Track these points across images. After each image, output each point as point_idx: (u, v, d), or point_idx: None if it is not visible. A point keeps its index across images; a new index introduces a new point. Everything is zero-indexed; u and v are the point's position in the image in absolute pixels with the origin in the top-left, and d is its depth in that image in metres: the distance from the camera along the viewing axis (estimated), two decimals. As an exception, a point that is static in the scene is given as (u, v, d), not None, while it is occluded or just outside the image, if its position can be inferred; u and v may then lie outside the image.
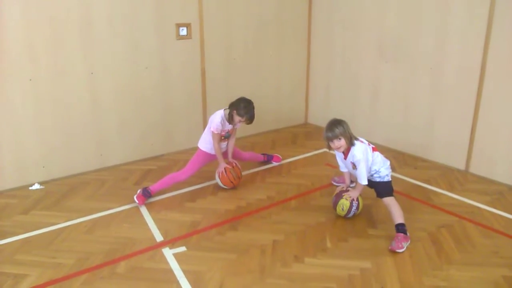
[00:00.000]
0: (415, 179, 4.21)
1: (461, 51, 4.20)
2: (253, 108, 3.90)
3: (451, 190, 3.99)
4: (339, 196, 3.45)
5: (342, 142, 3.26)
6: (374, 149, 3.36)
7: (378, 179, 3.34)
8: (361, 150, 3.27)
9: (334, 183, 4.07)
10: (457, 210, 3.61)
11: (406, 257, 2.97)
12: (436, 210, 3.63)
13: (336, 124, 3.28)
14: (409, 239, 3.08)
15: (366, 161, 3.27)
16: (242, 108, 3.84)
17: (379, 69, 5.00)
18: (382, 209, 3.52)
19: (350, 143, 3.29)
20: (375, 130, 5.17)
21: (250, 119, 3.89)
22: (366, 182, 3.30)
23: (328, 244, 3.15)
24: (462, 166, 4.40)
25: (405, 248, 3.02)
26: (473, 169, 4.32)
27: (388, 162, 3.40)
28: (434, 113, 4.54)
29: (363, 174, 3.28)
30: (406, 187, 4.04)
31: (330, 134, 3.26)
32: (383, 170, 3.33)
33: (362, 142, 3.34)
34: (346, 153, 3.37)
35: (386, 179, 3.34)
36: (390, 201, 3.25)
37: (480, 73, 4.08)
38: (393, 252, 3.02)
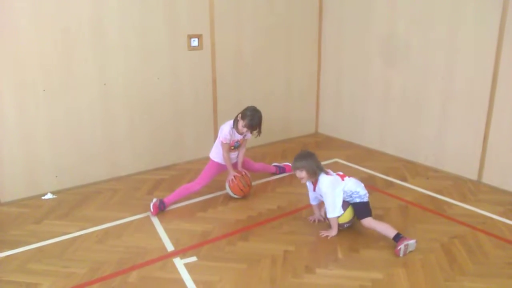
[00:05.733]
0: (427, 189, 4.18)
1: (472, 59, 4.18)
2: (259, 117, 3.88)
3: (463, 200, 3.96)
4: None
5: (303, 174, 3.34)
6: (342, 177, 3.38)
7: (358, 199, 3.35)
8: (326, 184, 3.32)
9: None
10: (470, 221, 3.57)
11: (418, 268, 2.95)
12: (448, 221, 3.59)
13: (301, 156, 3.39)
14: (409, 238, 3.12)
15: (332, 194, 3.30)
16: (247, 111, 3.87)
17: (390, 79, 4.99)
18: (393, 220, 3.50)
19: (314, 176, 3.35)
20: (386, 140, 5.16)
21: (249, 124, 3.84)
22: (335, 215, 3.31)
23: (340, 255, 3.14)
24: (474, 176, 4.36)
25: (404, 243, 3.05)
26: (485, 179, 4.28)
27: (363, 185, 3.42)
28: (445, 123, 4.51)
29: (330, 207, 3.30)
30: (418, 198, 4.02)
31: (292, 165, 3.42)
32: (361, 190, 3.36)
33: (328, 174, 3.37)
34: (314, 185, 3.41)
35: (365, 199, 3.36)
36: (370, 222, 3.28)
37: (492, 81, 4.06)
38: (397, 255, 3.06)
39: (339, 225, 3.38)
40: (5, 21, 3.72)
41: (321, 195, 3.38)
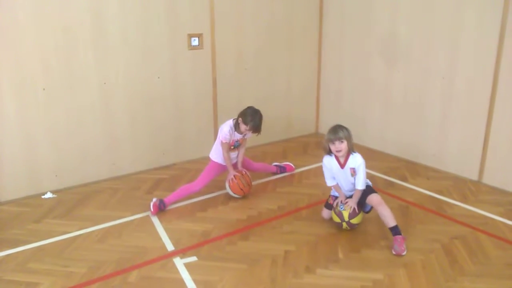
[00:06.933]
0: (427, 189, 4.18)
1: (473, 59, 4.18)
2: (260, 118, 3.88)
3: (464, 201, 3.95)
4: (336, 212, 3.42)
5: (343, 145, 3.26)
6: None
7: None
8: (360, 156, 3.34)
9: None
10: (471, 221, 3.57)
11: (419, 269, 2.94)
12: (449, 221, 3.59)
13: (341, 127, 3.30)
14: (404, 247, 3.13)
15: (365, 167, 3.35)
16: (248, 116, 3.85)
17: (391, 79, 4.99)
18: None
19: (351, 149, 3.33)
20: (387, 140, 5.15)
21: (254, 127, 3.86)
22: (364, 187, 3.35)
23: (340, 255, 3.13)
24: (475, 177, 4.36)
25: (401, 251, 3.09)
26: (486, 180, 4.28)
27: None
28: (446, 123, 4.51)
29: (363, 179, 3.32)
30: (419, 198, 4.01)
31: (332, 136, 3.27)
32: (368, 181, 3.48)
33: None
34: (344, 161, 3.34)
35: (370, 184, 3.49)
36: (377, 198, 3.27)
37: (492, 81, 4.05)
38: (398, 256, 3.08)
39: (352, 226, 3.37)
40: (5, 20, 3.71)
41: (352, 168, 3.31)
